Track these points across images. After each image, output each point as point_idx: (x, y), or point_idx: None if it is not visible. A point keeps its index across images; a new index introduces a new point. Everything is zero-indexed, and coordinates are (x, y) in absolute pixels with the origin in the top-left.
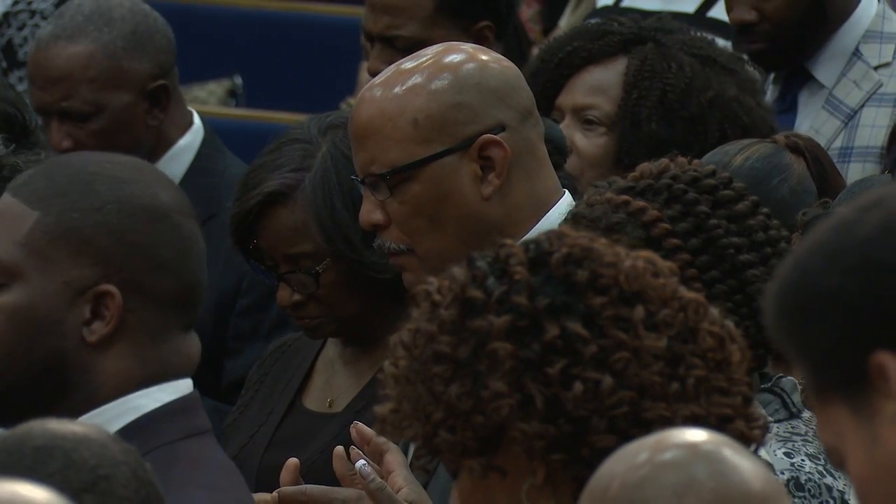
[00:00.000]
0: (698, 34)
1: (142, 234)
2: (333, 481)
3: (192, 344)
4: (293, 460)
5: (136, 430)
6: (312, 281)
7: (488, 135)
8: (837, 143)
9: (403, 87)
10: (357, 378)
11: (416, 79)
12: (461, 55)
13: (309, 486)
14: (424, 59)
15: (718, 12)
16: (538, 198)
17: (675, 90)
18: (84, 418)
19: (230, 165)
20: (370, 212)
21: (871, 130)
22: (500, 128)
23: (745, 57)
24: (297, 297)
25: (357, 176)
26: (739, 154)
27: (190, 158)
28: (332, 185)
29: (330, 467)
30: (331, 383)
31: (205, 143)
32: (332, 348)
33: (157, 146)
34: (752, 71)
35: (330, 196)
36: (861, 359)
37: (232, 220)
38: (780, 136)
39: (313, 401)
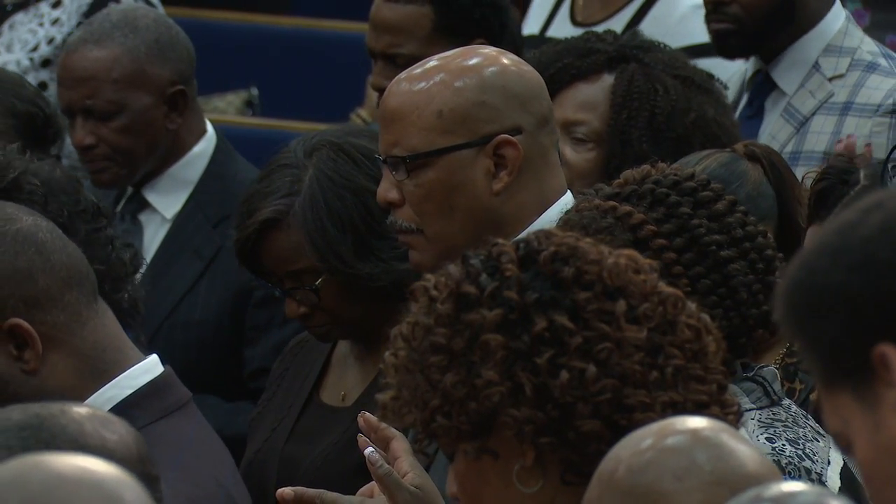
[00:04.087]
0: (672, 51)
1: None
2: (346, 472)
3: (106, 312)
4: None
5: None
6: (314, 294)
7: (505, 135)
8: (789, 148)
9: (431, 82)
10: (364, 374)
11: (445, 75)
12: (489, 58)
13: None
14: (454, 58)
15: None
16: (544, 197)
17: (662, 113)
18: None
19: (241, 170)
20: (387, 190)
21: (818, 137)
22: (518, 130)
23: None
24: (303, 309)
25: (380, 155)
26: (699, 164)
27: (204, 164)
28: (320, 207)
29: (342, 458)
30: (343, 378)
31: (217, 149)
32: (344, 345)
33: (174, 151)
34: (721, 87)
35: (320, 218)
36: (865, 351)
37: (235, 247)
38: (738, 145)
39: (329, 395)
